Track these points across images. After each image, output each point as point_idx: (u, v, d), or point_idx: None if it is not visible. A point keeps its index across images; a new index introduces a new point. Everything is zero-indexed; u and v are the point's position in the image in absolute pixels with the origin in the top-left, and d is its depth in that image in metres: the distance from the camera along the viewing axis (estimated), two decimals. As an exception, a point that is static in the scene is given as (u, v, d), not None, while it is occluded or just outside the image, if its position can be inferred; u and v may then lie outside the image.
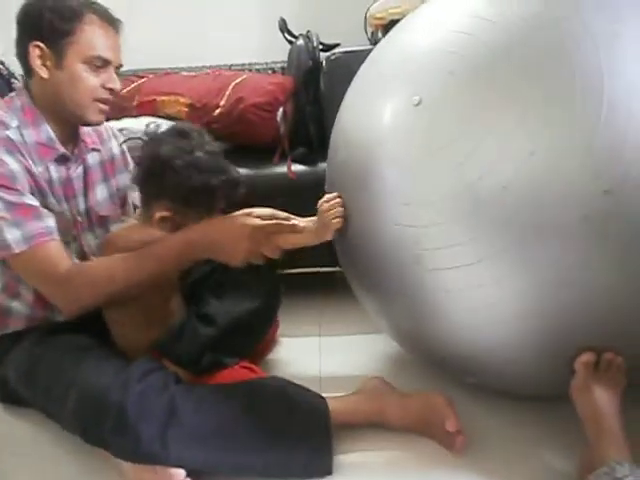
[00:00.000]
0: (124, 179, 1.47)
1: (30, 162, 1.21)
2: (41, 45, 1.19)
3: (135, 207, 1.47)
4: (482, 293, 0.99)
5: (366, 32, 1.98)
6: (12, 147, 1.19)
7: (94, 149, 1.38)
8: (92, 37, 1.21)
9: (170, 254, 1.18)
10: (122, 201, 1.47)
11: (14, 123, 1.21)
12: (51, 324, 1.29)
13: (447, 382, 1.25)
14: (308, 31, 1.95)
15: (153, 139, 1.25)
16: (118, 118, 1.79)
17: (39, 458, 1.20)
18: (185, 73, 2.03)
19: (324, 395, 1.16)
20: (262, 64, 2.14)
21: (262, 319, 1.34)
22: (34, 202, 1.19)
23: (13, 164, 1.17)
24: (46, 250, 1.18)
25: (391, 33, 1.23)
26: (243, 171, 1.64)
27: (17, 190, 1.17)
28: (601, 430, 0.97)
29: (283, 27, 2.04)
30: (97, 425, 1.03)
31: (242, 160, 1.72)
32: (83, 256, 1.33)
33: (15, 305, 1.29)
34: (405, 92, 1.05)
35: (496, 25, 0.99)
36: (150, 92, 1.92)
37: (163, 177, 1.19)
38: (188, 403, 1.06)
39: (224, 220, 1.18)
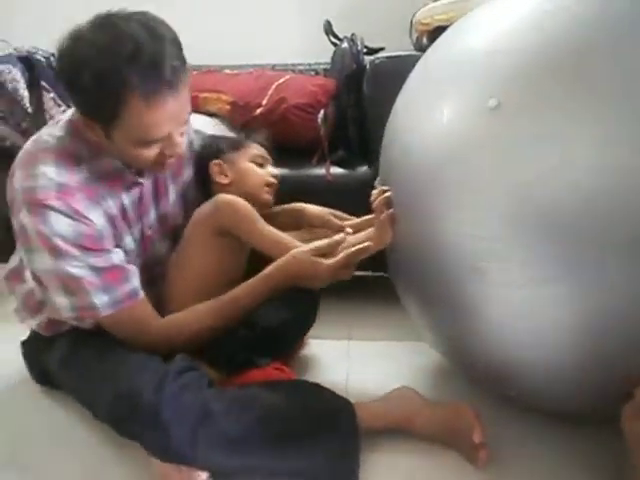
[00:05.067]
0: (189, 171, 1.44)
1: (106, 199, 1.17)
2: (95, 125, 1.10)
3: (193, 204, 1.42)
4: (542, 314, 0.94)
5: (411, 37, 1.96)
6: (92, 192, 1.15)
7: None
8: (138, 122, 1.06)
9: (253, 300, 1.23)
10: (187, 199, 1.42)
11: (84, 152, 1.16)
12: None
13: (478, 395, 1.23)
14: (353, 34, 1.94)
15: None
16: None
17: (72, 444, 1.23)
18: (228, 71, 2.04)
19: (351, 400, 1.16)
20: (305, 65, 2.14)
21: (298, 329, 1.35)
22: (120, 260, 1.17)
23: (98, 219, 1.14)
24: (133, 311, 1.19)
25: (451, 30, 1.18)
26: (282, 171, 1.65)
27: (105, 250, 1.15)
28: None
29: (328, 29, 2.04)
30: (130, 420, 1.04)
31: (281, 160, 1.73)
32: (147, 268, 1.31)
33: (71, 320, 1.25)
34: (478, 94, 0.98)
35: (578, 19, 0.92)
36: (193, 88, 1.91)
37: None
38: (220, 405, 1.07)
39: (299, 263, 1.21)
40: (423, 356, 1.40)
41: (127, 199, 1.23)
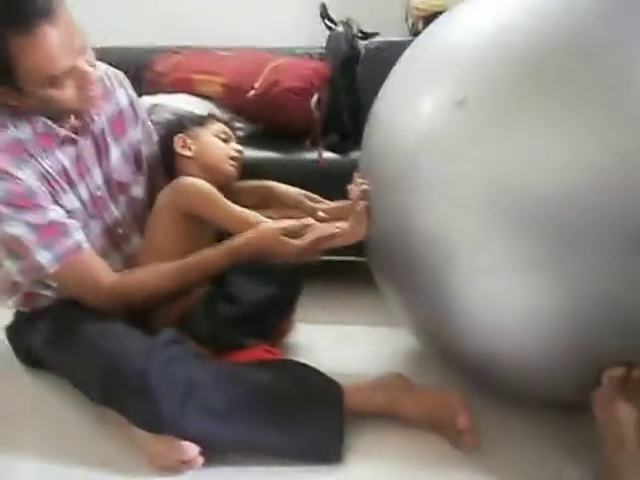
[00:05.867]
0: (135, 133, 1.41)
1: (39, 159, 1.18)
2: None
3: (149, 163, 1.45)
4: (514, 300, 0.96)
5: (407, 23, 1.96)
6: (20, 151, 1.15)
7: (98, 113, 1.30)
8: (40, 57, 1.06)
9: (215, 266, 1.25)
10: (137, 160, 1.41)
11: (7, 119, 1.16)
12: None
13: (465, 382, 1.24)
14: (348, 18, 1.93)
15: None
16: (153, 93, 1.80)
17: (58, 424, 1.22)
18: (222, 53, 2.02)
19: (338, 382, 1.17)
20: (300, 48, 2.12)
21: (283, 304, 1.35)
22: (58, 216, 1.19)
23: (28, 177, 1.15)
24: (80, 265, 1.21)
25: (435, 23, 1.20)
26: (274, 155, 1.64)
27: (39, 206, 1.16)
28: (621, 450, 0.93)
29: (323, 13, 2.03)
30: (118, 390, 1.06)
31: (273, 144, 1.73)
32: (108, 231, 1.33)
33: (46, 292, 1.29)
34: (449, 87, 1.01)
35: (548, 21, 0.95)
36: (186, 69, 1.92)
37: None
38: (207, 378, 1.08)
39: (266, 239, 1.22)
40: (408, 341, 1.40)
41: (64, 157, 1.23)
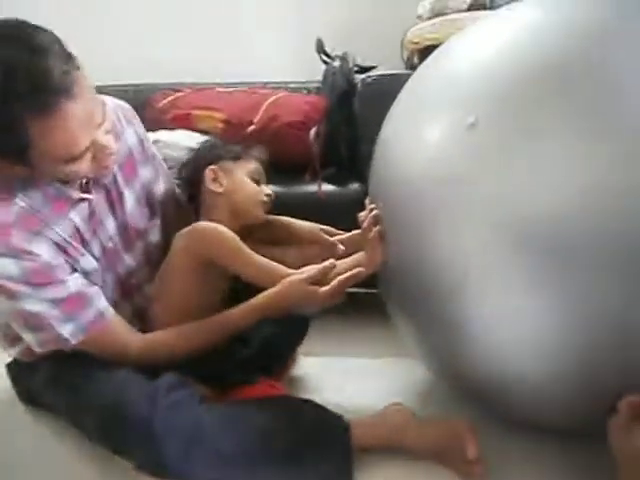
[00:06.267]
0: (146, 172, 1.35)
1: (53, 226, 1.10)
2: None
3: (161, 201, 1.39)
4: (526, 324, 0.96)
5: (402, 56, 1.99)
6: (33, 223, 1.07)
7: None
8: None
9: (242, 324, 1.22)
10: (150, 201, 1.35)
11: (17, 184, 1.07)
12: None
13: (473, 412, 1.22)
14: (344, 52, 1.96)
15: None
16: (154, 130, 1.82)
17: (56, 463, 1.21)
18: (221, 89, 2.05)
19: (344, 417, 1.16)
20: (297, 83, 2.16)
21: (289, 342, 1.35)
22: (78, 286, 1.13)
23: (44, 251, 1.07)
24: (105, 332, 1.17)
25: (438, 52, 1.21)
26: (274, 188, 1.65)
27: (58, 280, 1.09)
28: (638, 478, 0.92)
29: (320, 47, 2.06)
30: (122, 434, 1.04)
31: (273, 177, 1.73)
32: (119, 282, 1.28)
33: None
34: (458, 113, 1.00)
35: (557, 44, 0.95)
36: (186, 106, 1.95)
37: None
38: (212, 421, 1.07)
39: (295, 292, 1.18)
40: (415, 373, 1.39)
41: (77, 217, 1.15)
